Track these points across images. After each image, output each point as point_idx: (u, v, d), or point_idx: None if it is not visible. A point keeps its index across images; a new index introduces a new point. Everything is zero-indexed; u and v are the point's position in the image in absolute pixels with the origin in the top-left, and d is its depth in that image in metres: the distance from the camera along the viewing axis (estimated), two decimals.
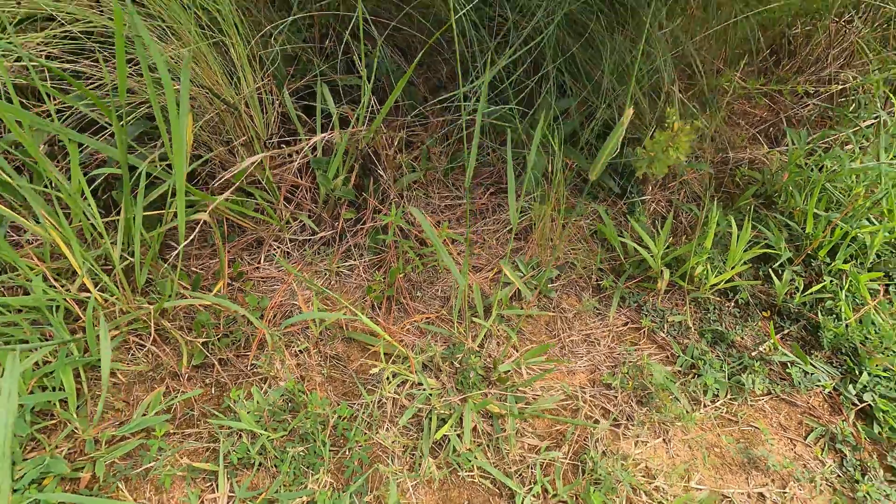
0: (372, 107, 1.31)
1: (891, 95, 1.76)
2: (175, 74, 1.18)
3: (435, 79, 1.72)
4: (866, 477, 0.95)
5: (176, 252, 1.15)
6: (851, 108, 1.83)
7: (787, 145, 1.75)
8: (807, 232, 1.39)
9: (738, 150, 1.76)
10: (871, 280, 1.31)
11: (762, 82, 1.94)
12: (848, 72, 2.02)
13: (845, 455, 0.99)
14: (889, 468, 0.97)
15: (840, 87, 1.84)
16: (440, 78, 1.72)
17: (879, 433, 1.03)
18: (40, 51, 1.12)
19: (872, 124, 1.69)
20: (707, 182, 1.63)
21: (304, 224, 1.30)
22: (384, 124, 1.37)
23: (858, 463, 0.98)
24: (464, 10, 1.24)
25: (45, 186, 1.03)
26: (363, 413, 0.95)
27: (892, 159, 1.63)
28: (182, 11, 1.09)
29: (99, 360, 0.90)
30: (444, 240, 1.28)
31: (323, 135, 1.14)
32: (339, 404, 0.97)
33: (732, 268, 1.27)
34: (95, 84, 1.15)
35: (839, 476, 0.96)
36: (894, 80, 1.90)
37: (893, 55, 1.92)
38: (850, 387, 1.11)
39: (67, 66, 1.09)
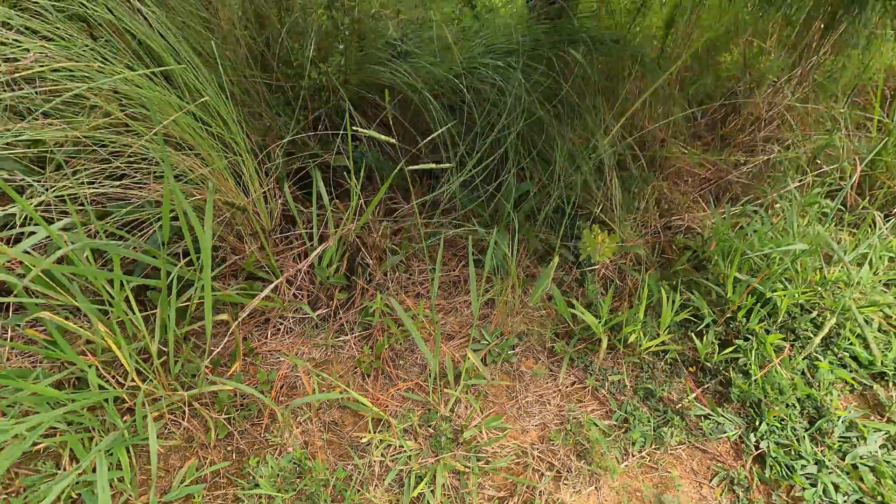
0: (359, 194, 1.55)
1: (808, 169, 2.04)
2: (199, 186, 1.42)
3: (415, 150, 1.97)
4: None
5: (202, 330, 1.39)
6: (778, 175, 2.10)
7: (724, 208, 2.02)
8: (728, 296, 1.65)
9: (680, 215, 2.02)
10: (779, 339, 1.57)
11: (702, 151, 2.21)
12: (780, 135, 2.30)
13: (739, 496, 1.25)
14: None
15: (766, 157, 2.11)
16: (420, 150, 1.97)
17: (769, 476, 1.29)
18: (85, 173, 1.35)
19: (792, 190, 1.96)
20: (650, 248, 1.89)
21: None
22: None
23: (748, 502, 1.24)
24: (445, 127, 1.49)
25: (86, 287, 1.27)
26: (356, 474, 1.20)
27: (807, 224, 1.91)
28: (207, 145, 1.33)
29: (145, 438, 1.13)
30: (422, 317, 1.52)
31: (320, 247, 1.38)
32: (336, 466, 1.21)
33: (664, 331, 1.53)
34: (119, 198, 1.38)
35: None
36: (815, 150, 2.18)
37: (814, 127, 2.20)
38: (752, 435, 1.37)
39: (106, 190, 1.32)
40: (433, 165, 0.97)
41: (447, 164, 1.01)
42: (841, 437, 1.37)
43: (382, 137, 0.95)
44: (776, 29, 2.50)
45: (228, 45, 1.79)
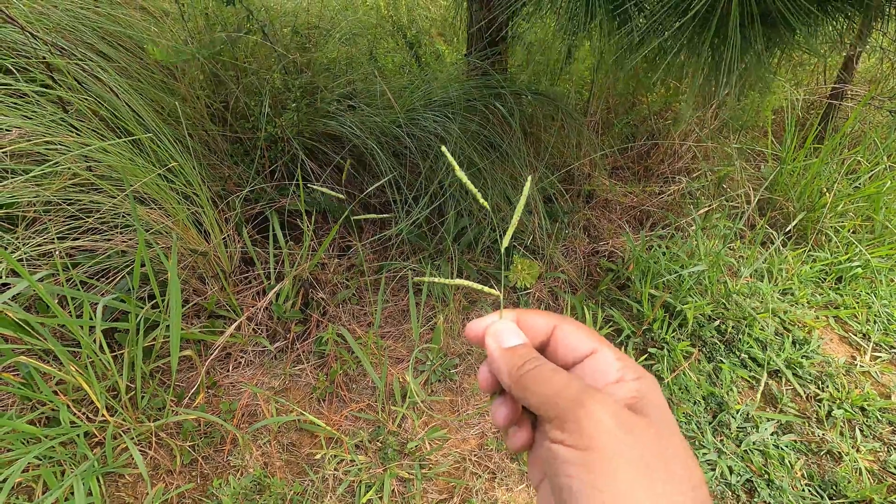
0: (312, 238, 1.72)
1: (714, 195, 2.33)
2: (163, 235, 1.56)
3: (363, 196, 2.16)
4: None
5: (168, 367, 1.51)
6: (689, 202, 2.39)
7: (639, 234, 2.28)
8: (645, 311, 1.88)
9: (605, 241, 2.27)
10: (687, 346, 1.80)
11: (628, 182, 2.49)
12: (694, 166, 2.60)
13: None
14: None
15: (677, 187, 2.40)
16: (369, 194, 2.16)
17: None
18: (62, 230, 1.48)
19: (695, 216, 2.24)
20: (580, 272, 2.12)
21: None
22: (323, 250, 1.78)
23: None
24: (387, 178, 1.70)
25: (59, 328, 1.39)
26: (311, 488, 1.33)
27: (713, 244, 2.17)
28: (171, 199, 1.49)
29: (114, 468, 1.25)
30: (372, 343, 1.68)
31: (277, 286, 1.54)
32: (293, 482, 1.34)
33: None
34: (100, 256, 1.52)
35: None
36: (719, 178, 2.49)
37: (720, 159, 2.51)
38: None
39: (76, 244, 1.46)
40: (376, 216, 1.16)
41: (388, 215, 1.20)
42: (739, 427, 1.58)
43: (332, 193, 1.14)
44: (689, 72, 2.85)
45: (188, 104, 1.97)
